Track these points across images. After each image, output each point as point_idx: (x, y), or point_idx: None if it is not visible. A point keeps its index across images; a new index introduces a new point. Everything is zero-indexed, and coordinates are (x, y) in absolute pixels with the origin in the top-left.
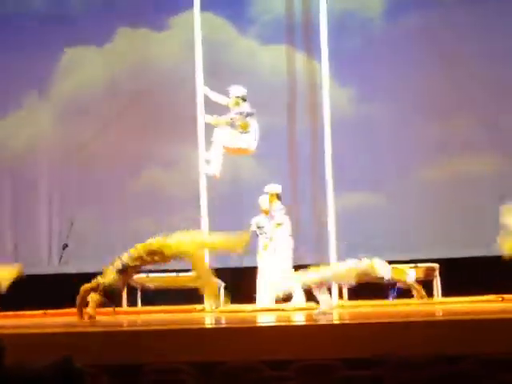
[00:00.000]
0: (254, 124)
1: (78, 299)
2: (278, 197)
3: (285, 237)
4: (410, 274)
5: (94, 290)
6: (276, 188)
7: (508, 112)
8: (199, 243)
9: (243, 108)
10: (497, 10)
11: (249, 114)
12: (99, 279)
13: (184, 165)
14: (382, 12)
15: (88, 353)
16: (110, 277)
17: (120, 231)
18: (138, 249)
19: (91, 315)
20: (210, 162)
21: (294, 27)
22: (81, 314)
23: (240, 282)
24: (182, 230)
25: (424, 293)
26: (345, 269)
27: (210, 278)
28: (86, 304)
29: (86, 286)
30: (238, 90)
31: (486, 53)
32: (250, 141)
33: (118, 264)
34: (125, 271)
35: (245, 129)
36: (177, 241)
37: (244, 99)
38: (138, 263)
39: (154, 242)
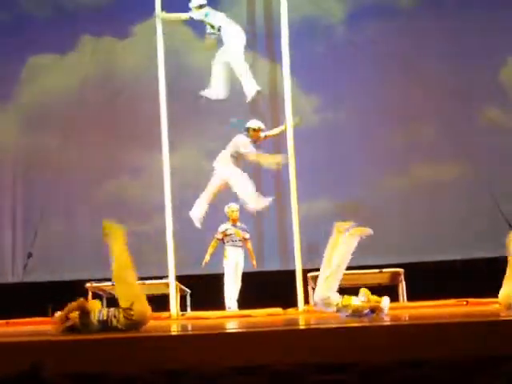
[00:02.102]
0: (220, 22)
1: (62, 315)
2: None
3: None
4: (384, 301)
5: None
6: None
7: (470, 119)
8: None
9: (201, 14)
10: (457, 14)
11: (207, 15)
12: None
13: (149, 173)
14: (343, 18)
15: (53, 361)
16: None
17: (85, 239)
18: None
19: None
20: (212, 87)
21: (256, 34)
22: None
23: (207, 288)
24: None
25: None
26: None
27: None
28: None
29: (74, 305)
30: (194, 1)
31: (447, 59)
32: (233, 42)
33: (104, 316)
34: (105, 324)
35: (213, 28)
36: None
37: (201, 6)
38: (119, 327)
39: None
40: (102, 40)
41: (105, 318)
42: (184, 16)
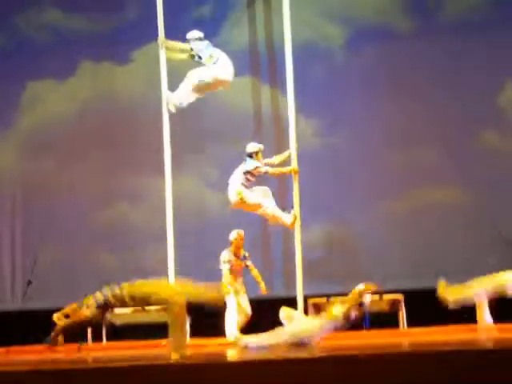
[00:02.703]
0: (220, 54)
1: (57, 329)
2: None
3: None
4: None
5: (67, 317)
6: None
7: (469, 144)
8: (182, 293)
9: (202, 45)
10: (455, 39)
11: (208, 46)
12: (76, 308)
13: (150, 198)
14: (342, 43)
15: None
16: (90, 310)
17: (85, 267)
18: (123, 290)
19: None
20: (176, 96)
21: (259, 59)
22: (55, 343)
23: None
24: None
25: None
26: None
27: (181, 331)
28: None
29: (61, 312)
30: (192, 33)
31: (446, 83)
32: (222, 69)
33: (100, 299)
34: (105, 308)
35: (209, 61)
36: (161, 289)
37: (201, 39)
38: (118, 304)
39: (138, 286)
40: (101, 65)
41: (101, 302)
42: (184, 46)
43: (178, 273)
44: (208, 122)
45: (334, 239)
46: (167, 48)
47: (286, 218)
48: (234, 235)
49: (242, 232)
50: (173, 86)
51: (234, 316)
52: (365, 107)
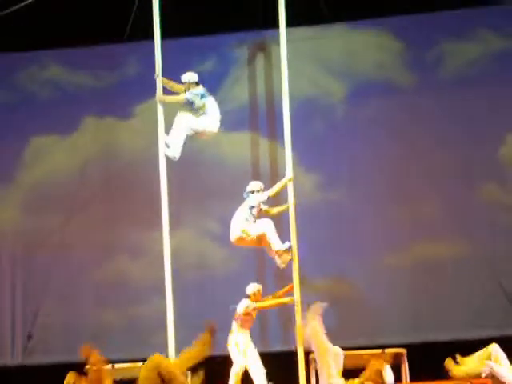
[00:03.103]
0: (211, 104)
1: None
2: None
3: None
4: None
5: None
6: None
7: (470, 197)
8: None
9: (197, 91)
10: (456, 92)
11: (203, 96)
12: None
13: (150, 253)
14: (342, 97)
15: None
16: None
17: (86, 321)
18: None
19: None
20: (169, 145)
21: (258, 114)
22: None
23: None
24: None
25: None
26: None
27: None
28: None
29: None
30: (188, 76)
31: (447, 137)
32: (209, 121)
33: None
34: None
35: (202, 109)
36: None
37: (197, 83)
38: None
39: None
40: (103, 120)
41: None
42: (181, 98)
43: (177, 327)
44: (207, 176)
45: (334, 294)
46: (166, 102)
47: (278, 260)
48: (252, 289)
49: (260, 287)
50: None
51: (262, 368)
52: (365, 161)
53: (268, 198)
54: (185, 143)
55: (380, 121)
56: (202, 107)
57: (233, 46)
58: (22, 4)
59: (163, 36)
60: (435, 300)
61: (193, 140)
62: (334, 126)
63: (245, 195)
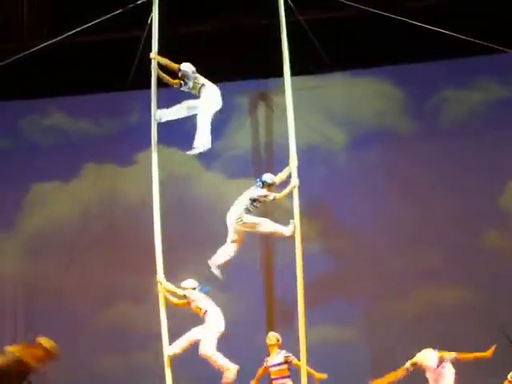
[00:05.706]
0: (206, 82)
1: None
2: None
3: None
4: None
5: None
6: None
7: (471, 244)
8: None
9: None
10: (456, 139)
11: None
12: None
13: (151, 299)
14: (343, 145)
15: None
16: None
17: (86, 369)
18: None
19: None
20: (161, 117)
21: (261, 161)
22: None
23: None
24: None
25: None
26: None
27: None
28: None
29: None
30: (189, 66)
31: (447, 183)
32: (208, 96)
33: None
34: None
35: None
36: None
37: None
38: None
39: None
40: (104, 167)
41: None
42: (174, 65)
43: (176, 374)
44: (209, 222)
45: (339, 341)
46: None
47: (285, 229)
48: (273, 340)
49: (279, 337)
50: (173, 189)
51: None
52: (366, 208)
53: (273, 199)
54: (186, 189)
55: (381, 168)
56: (196, 87)
57: (234, 95)
58: (26, 52)
59: (165, 84)
60: (438, 347)
61: (195, 186)
62: (336, 173)
63: (256, 181)
